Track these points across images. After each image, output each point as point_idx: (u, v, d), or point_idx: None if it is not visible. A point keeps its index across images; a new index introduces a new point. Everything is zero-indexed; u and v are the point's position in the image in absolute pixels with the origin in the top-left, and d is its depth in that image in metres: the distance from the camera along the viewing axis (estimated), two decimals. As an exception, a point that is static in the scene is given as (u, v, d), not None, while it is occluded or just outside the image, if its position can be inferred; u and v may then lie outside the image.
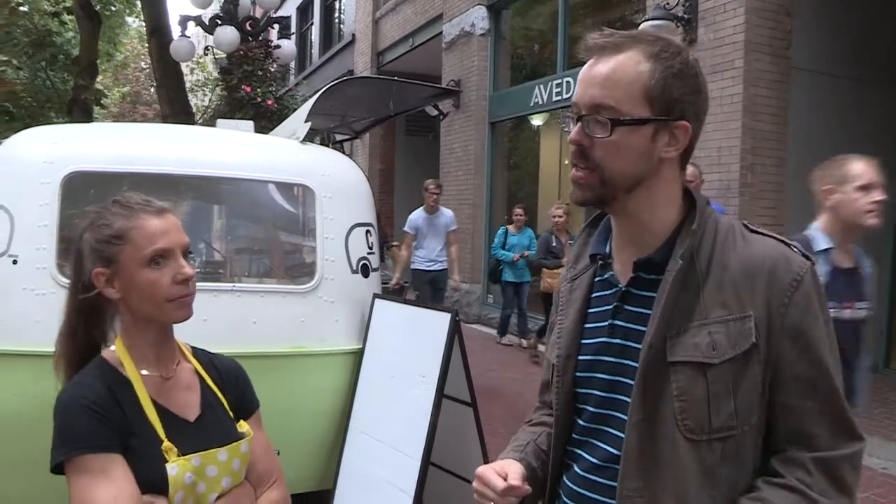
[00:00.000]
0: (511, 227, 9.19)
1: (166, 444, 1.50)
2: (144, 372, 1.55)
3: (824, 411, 1.20)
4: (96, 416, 1.44)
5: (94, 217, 1.56)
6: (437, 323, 3.26)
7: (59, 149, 3.37)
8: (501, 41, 11.82)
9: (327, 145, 8.13)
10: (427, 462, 3.10)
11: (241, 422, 1.69)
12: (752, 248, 1.25)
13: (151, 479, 1.46)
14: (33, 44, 13.66)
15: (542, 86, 10.30)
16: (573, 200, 1.32)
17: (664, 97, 1.22)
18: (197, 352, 1.74)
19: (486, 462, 3.43)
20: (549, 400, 1.54)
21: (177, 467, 1.49)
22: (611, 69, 1.22)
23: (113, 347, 1.59)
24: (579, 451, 1.36)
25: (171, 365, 1.61)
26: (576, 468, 1.36)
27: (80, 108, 12.07)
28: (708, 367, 1.19)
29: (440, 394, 3.13)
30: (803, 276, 1.21)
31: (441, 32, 12.84)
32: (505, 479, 1.32)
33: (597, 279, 1.40)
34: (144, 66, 29.47)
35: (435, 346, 3.21)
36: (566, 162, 10.89)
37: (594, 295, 1.39)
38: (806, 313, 1.20)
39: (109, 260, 1.51)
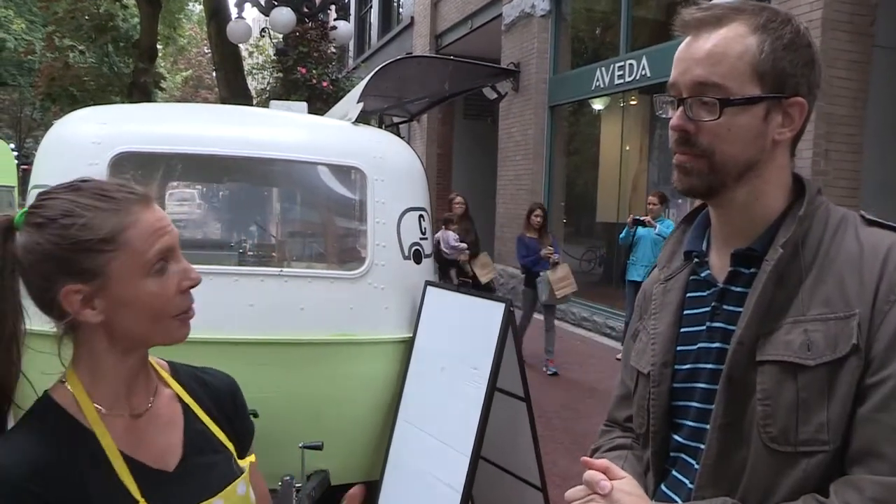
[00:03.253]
0: (647, 218, 7.67)
1: None
2: (109, 415, 1.15)
3: None
4: (29, 491, 1.03)
5: (49, 211, 1.10)
6: (490, 313, 3.11)
7: (107, 129, 3.33)
8: (562, 22, 11.52)
9: (382, 128, 8.02)
10: (477, 459, 2.96)
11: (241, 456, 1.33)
12: (866, 240, 1.08)
13: None
14: (96, 28, 13.93)
15: (603, 68, 10.00)
16: (677, 188, 1.17)
17: (775, 72, 1.09)
18: (178, 370, 1.34)
19: (538, 459, 3.30)
20: (623, 417, 1.39)
21: None
22: (713, 44, 1.10)
23: (65, 383, 1.15)
24: (675, 472, 1.21)
25: (146, 398, 1.22)
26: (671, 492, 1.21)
27: (139, 91, 12.28)
28: (800, 369, 1.04)
29: (492, 388, 2.98)
30: None
31: (500, 14, 12.60)
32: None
33: (692, 279, 1.26)
34: (206, 51, 29.96)
35: (488, 338, 3.06)
36: (627, 148, 10.59)
37: (689, 295, 1.25)
38: None
39: (91, 273, 1.09)
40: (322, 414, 3.40)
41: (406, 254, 3.60)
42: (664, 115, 1.17)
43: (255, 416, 3.36)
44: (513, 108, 12.08)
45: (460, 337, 3.27)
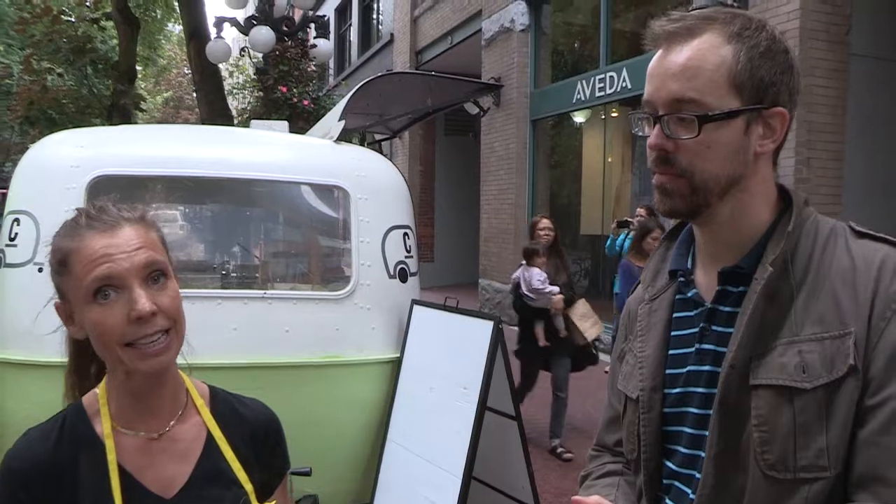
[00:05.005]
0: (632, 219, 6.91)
1: None
2: (124, 430, 1.19)
3: None
4: (17, 499, 1.11)
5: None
6: (479, 331, 3.07)
7: (85, 152, 3.28)
8: (542, 37, 11.57)
9: (364, 145, 7.97)
10: (468, 479, 2.91)
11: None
12: (858, 253, 1.04)
13: None
14: (74, 50, 13.83)
15: (584, 81, 10.03)
16: (659, 211, 1.12)
17: (754, 82, 1.04)
18: (218, 398, 1.33)
19: (531, 477, 3.26)
20: (612, 441, 1.34)
21: None
22: (687, 57, 1.05)
23: (97, 391, 1.22)
24: (668, 501, 1.17)
25: (168, 420, 1.22)
26: None
27: (119, 113, 12.17)
28: (796, 393, 0.99)
29: (482, 407, 2.94)
30: None
31: (480, 29, 12.63)
32: None
33: (678, 298, 1.20)
34: (187, 72, 29.86)
35: (477, 356, 3.02)
36: (609, 160, 10.62)
37: (676, 315, 1.20)
38: None
39: (61, 292, 1.17)
40: (310, 437, 3.33)
41: (392, 272, 3.56)
42: (640, 133, 1.12)
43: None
44: (494, 123, 12.09)
45: (449, 356, 3.23)
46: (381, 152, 5.84)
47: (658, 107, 1.07)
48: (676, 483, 1.15)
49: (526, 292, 5.72)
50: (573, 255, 11.88)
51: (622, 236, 7.44)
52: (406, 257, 3.64)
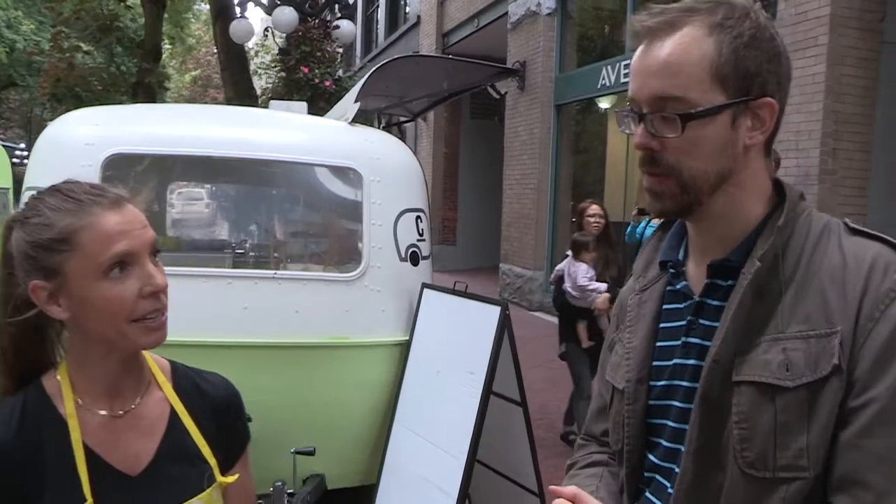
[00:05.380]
0: None
1: None
2: (88, 409, 1.18)
3: (886, 457, 0.93)
4: None
5: (28, 211, 1.17)
6: (486, 316, 3.06)
7: (100, 130, 3.31)
8: (568, 21, 11.44)
9: (381, 127, 7.95)
10: (472, 463, 2.92)
11: (221, 475, 1.30)
12: (849, 251, 1.01)
13: None
14: (101, 28, 13.97)
15: (609, 67, 9.92)
16: (651, 212, 1.12)
17: (739, 74, 1.01)
18: (179, 373, 1.34)
19: (535, 464, 3.25)
20: (599, 431, 1.33)
21: None
22: (668, 53, 1.02)
23: (56, 372, 1.21)
24: (648, 494, 1.16)
25: (133, 398, 1.23)
26: None
27: (143, 91, 12.29)
28: (778, 391, 0.97)
29: (487, 392, 2.94)
30: None
31: (506, 13, 12.54)
32: None
33: (668, 289, 1.18)
34: (215, 51, 30.02)
35: (484, 341, 3.01)
36: (633, 147, 10.50)
37: (665, 307, 1.18)
38: None
39: (52, 271, 1.13)
40: (317, 418, 3.37)
41: (403, 255, 3.56)
42: (626, 132, 1.10)
43: (249, 420, 3.33)
44: (519, 107, 12.02)
45: (456, 340, 3.23)
46: (401, 135, 5.83)
47: (642, 105, 1.05)
48: (658, 476, 1.14)
49: (569, 289, 5.22)
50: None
51: (643, 224, 7.36)
52: (418, 240, 3.64)
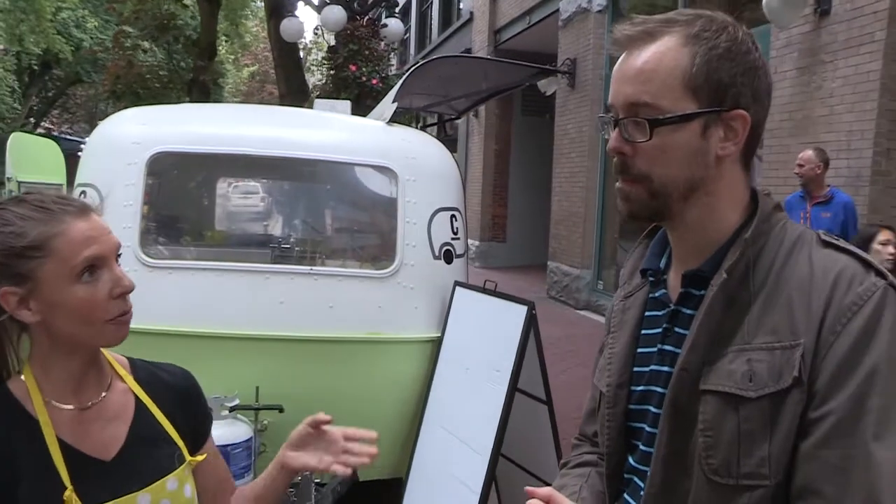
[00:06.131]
0: None
1: (69, 492, 1.19)
2: (57, 405, 1.25)
3: (841, 467, 0.94)
4: None
5: None
6: (513, 315, 3.11)
7: (147, 129, 3.45)
8: (619, 18, 11.33)
9: (424, 126, 7.99)
10: (496, 459, 2.96)
11: (189, 454, 1.39)
12: (818, 263, 1.03)
13: None
14: (158, 27, 14.37)
15: (660, 64, 9.80)
16: (621, 214, 1.15)
17: (711, 84, 1.03)
18: (137, 367, 1.42)
19: (559, 460, 3.28)
20: (591, 432, 1.38)
21: None
22: (644, 61, 1.05)
23: (21, 375, 1.27)
24: (626, 495, 1.20)
25: (98, 392, 1.31)
26: None
27: (198, 89, 12.62)
28: (741, 401, 1.00)
29: (513, 389, 2.98)
30: (870, 298, 0.97)
31: (558, 10, 12.47)
32: None
33: (650, 297, 1.22)
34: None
35: (510, 339, 3.06)
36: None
37: (647, 314, 1.22)
38: (860, 344, 0.96)
39: (24, 277, 1.19)
40: (349, 411, 3.43)
41: (436, 254, 3.62)
42: (606, 136, 1.13)
43: (281, 410, 3.41)
44: (569, 105, 11.95)
45: (485, 338, 3.28)
46: (446, 133, 5.87)
47: (618, 110, 1.08)
48: (635, 478, 1.18)
49: None
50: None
51: None
52: (452, 239, 3.70)
